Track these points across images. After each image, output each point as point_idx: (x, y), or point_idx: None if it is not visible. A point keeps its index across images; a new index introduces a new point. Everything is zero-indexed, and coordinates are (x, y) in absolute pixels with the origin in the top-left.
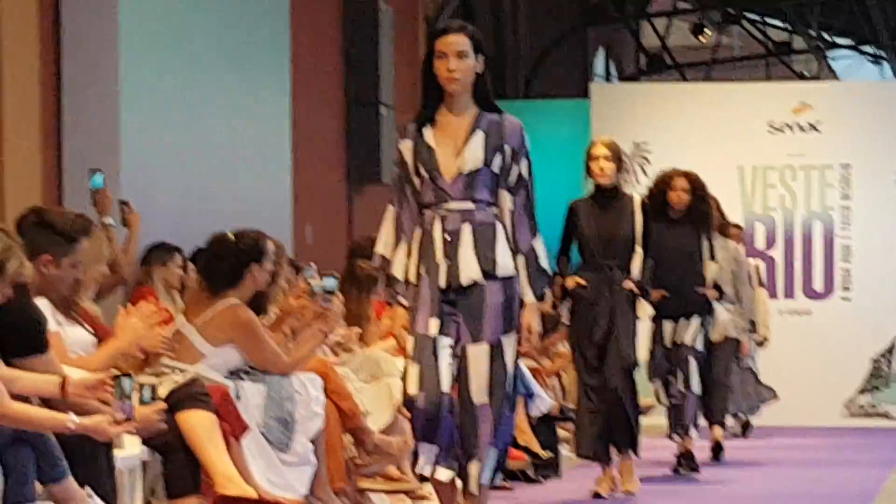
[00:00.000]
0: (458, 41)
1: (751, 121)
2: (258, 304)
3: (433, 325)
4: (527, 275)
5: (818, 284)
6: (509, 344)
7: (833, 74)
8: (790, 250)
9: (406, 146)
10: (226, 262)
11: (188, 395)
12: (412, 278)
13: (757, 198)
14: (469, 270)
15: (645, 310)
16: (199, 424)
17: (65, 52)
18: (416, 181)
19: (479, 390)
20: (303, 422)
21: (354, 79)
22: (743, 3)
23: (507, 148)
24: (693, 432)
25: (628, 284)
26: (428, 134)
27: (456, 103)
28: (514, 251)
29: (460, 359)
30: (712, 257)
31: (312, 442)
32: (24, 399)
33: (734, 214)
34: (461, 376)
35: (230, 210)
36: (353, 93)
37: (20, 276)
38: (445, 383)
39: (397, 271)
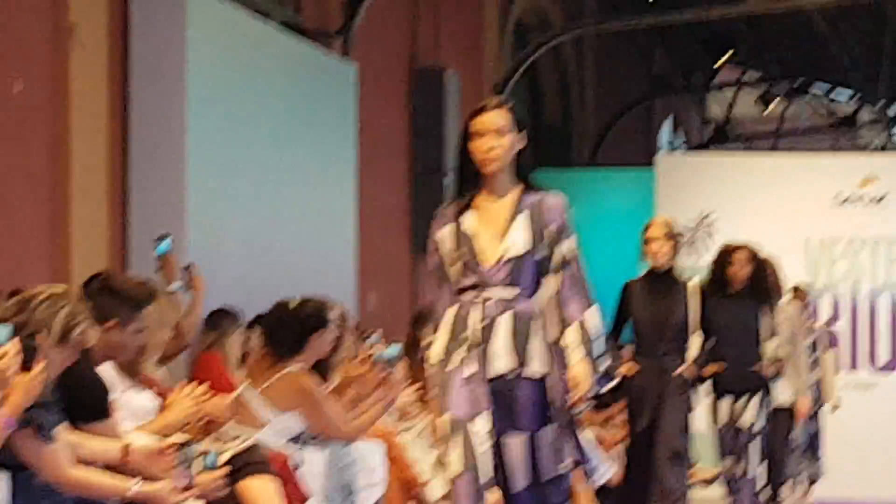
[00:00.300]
0: (496, 119)
1: (817, 193)
2: (321, 370)
3: (482, 420)
4: (580, 340)
5: (883, 358)
6: (546, 435)
7: None
8: (855, 323)
9: (443, 234)
10: (289, 330)
11: (249, 462)
12: (438, 357)
13: (823, 271)
14: (500, 360)
15: (699, 397)
16: (261, 491)
17: (132, 117)
18: (458, 266)
19: (517, 479)
20: (363, 490)
21: (420, 147)
22: (810, 74)
23: (550, 229)
24: None
25: (683, 370)
26: (467, 218)
27: (496, 184)
28: (563, 326)
29: (497, 450)
30: (773, 334)
31: None
32: (87, 464)
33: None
34: (500, 469)
35: (295, 277)
36: (419, 161)
37: (85, 342)
38: (485, 470)
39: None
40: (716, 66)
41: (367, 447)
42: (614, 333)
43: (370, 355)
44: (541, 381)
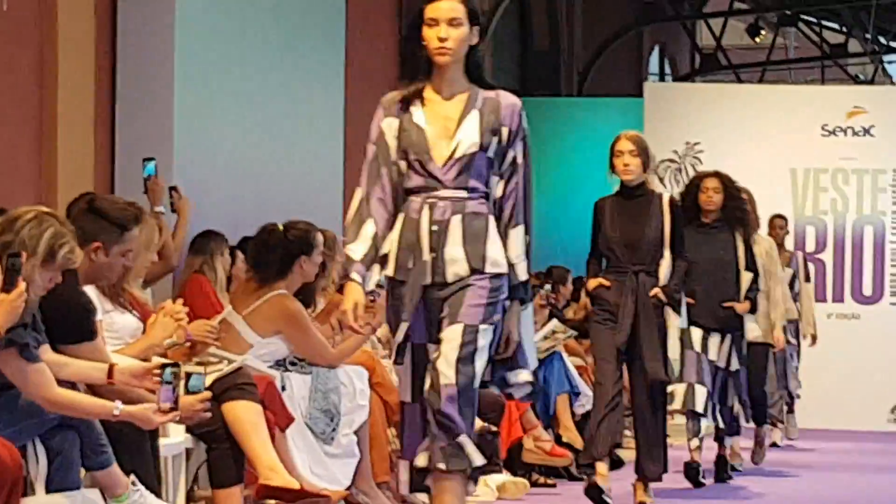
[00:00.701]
0: (451, 8)
1: (804, 124)
2: (306, 295)
3: (401, 330)
4: (523, 250)
5: (868, 289)
6: (485, 334)
7: (889, 79)
8: (840, 254)
9: (389, 124)
10: (275, 253)
11: (234, 385)
12: (389, 271)
13: (808, 201)
14: (455, 266)
15: (673, 320)
16: (245, 414)
17: (120, 41)
18: (402, 164)
19: (446, 369)
20: (348, 414)
21: (408, 73)
22: (799, 4)
23: (503, 130)
24: (727, 441)
25: (655, 292)
26: (417, 112)
27: (448, 79)
28: (505, 231)
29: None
30: (749, 267)
31: (356, 434)
32: (71, 385)
33: (787, 216)
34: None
35: (282, 201)
36: (406, 86)
37: (70, 263)
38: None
39: (355, 252)
40: None
41: (351, 371)
42: (593, 255)
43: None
44: (497, 278)
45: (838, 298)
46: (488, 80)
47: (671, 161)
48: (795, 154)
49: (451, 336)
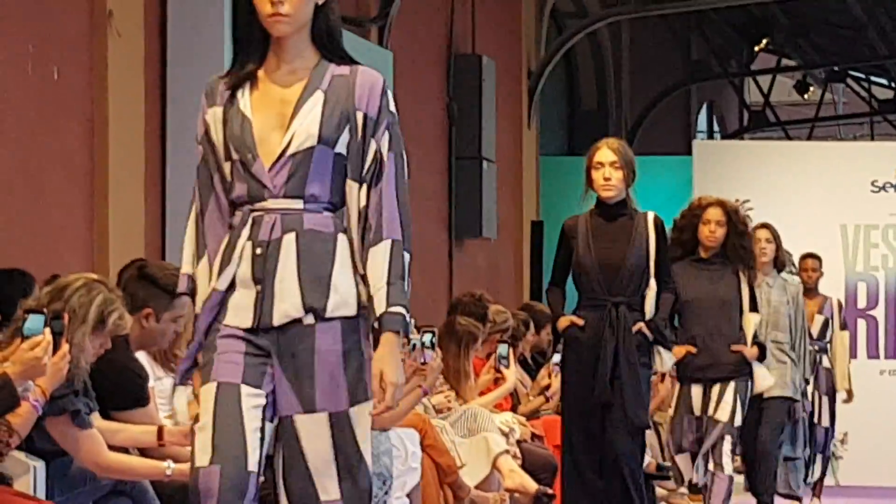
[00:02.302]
0: None
1: (854, 180)
2: None
3: (229, 372)
4: (387, 272)
5: None
6: (362, 415)
7: None
8: (893, 310)
9: (213, 115)
10: None
11: None
12: (198, 308)
13: (859, 257)
14: (285, 303)
15: (663, 360)
16: None
17: (169, 107)
18: (227, 166)
19: (323, 482)
20: (400, 476)
21: (457, 134)
22: (847, 60)
23: (358, 117)
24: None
25: (639, 327)
26: (243, 96)
27: (286, 53)
28: (367, 250)
29: (285, 435)
30: (754, 308)
31: (409, 497)
32: (123, 450)
33: (836, 274)
34: (288, 462)
35: None
36: (456, 147)
37: (120, 329)
38: (252, 460)
39: (199, 286)
40: (753, 51)
41: (403, 434)
42: (554, 284)
43: (408, 341)
44: (351, 322)
45: (891, 355)
46: (345, 51)
47: None
48: (845, 210)
49: (314, 431)
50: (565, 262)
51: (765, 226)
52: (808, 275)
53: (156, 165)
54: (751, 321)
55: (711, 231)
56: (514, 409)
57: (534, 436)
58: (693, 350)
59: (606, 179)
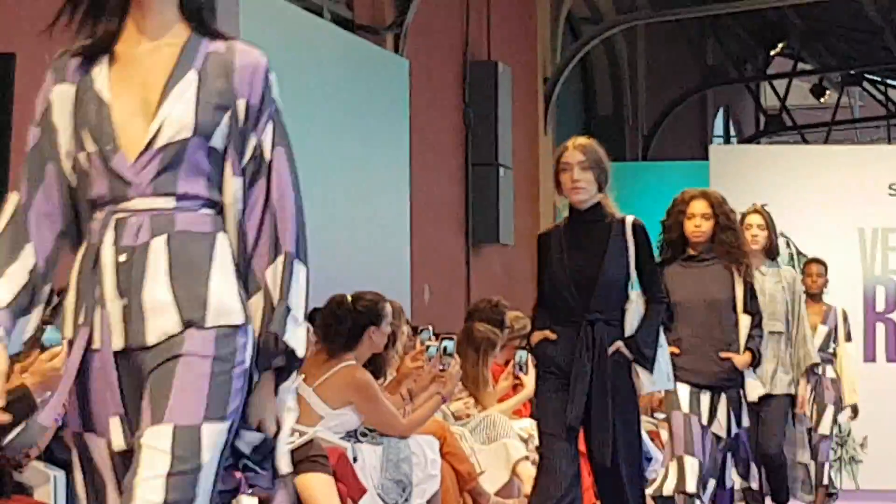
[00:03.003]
0: None
1: (872, 183)
2: (376, 366)
3: (113, 427)
4: (278, 295)
5: None
6: (213, 439)
7: None
8: None
9: (62, 94)
10: (344, 325)
11: (306, 458)
12: (67, 332)
13: (878, 260)
14: (159, 317)
15: (641, 383)
16: (317, 487)
17: None
18: (82, 158)
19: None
20: (419, 484)
21: (473, 140)
22: (864, 64)
23: (239, 104)
24: None
25: (617, 346)
26: (100, 75)
27: (149, 21)
28: (249, 263)
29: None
30: (748, 307)
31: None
32: None
33: (854, 277)
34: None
35: (349, 272)
36: (473, 154)
37: None
38: None
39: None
40: (769, 55)
41: (422, 441)
42: (540, 304)
43: (424, 350)
44: (228, 334)
45: None
46: (214, 23)
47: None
48: (863, 214)
49: (154, 444)
50: (543, 278)
51: (757, 210)
52: (812, 280)
53: None
54: (742, 323)
55: (697, 226)
56: (532, 416)
57: None
58: (676, 351)
59: (575, 181)
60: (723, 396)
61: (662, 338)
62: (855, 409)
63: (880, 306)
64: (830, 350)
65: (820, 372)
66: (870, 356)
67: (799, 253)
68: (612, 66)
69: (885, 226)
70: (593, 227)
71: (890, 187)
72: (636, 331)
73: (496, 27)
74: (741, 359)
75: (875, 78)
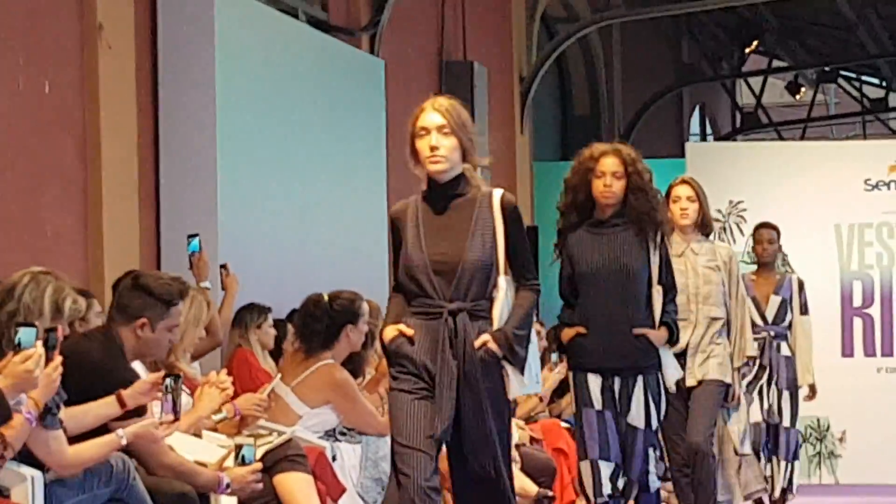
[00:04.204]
0: None
1: (847, 179)
2: (354, 365)
3: None
4: None
5: None
6: None
7: None
8: (889, 308)
9: None
10: (321, 324)
11: (285, 457)
12: None
13: (854, 256)
14: None
15: (510, 384)
16: (296, 486)
17: (162, 115)
18: None
19: None
20: None
21: None
22: (838, 60)
23: None
24: None
25: (483, 340)
26: None
27: None
28: None
29: None
30: (663, 279)
31: None
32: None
33: (832, 273)
34: None
35: (326, 273)
36: None
37: (77, 313)
38: None
39: None
40: (745, 53)
41: None
42: (396, 289)
43: None
44: None
45: (887, 352)
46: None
47: (715, 220)
48: (839, 209)
49: None
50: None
51: (685, 181)
52: (762, 248)
53: (149, 176)
54: (655, 294)
55: (607, 185)
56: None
57: (532, 439)
58: (583, 331)
59: (433, 149)
60: (639, 381)
61: (533, 333)
62: (812, 389)
63: (857, 301)
64: (785, 323)
65: (773, 349)
66: (847, 351)
67: None
68: (587, 64)
69: (861, 221)
70: (455, 203)
71: (865, 183)
72: (506, 323)
73: (471, 27)
74: (657, 334)
75: (850, 74)
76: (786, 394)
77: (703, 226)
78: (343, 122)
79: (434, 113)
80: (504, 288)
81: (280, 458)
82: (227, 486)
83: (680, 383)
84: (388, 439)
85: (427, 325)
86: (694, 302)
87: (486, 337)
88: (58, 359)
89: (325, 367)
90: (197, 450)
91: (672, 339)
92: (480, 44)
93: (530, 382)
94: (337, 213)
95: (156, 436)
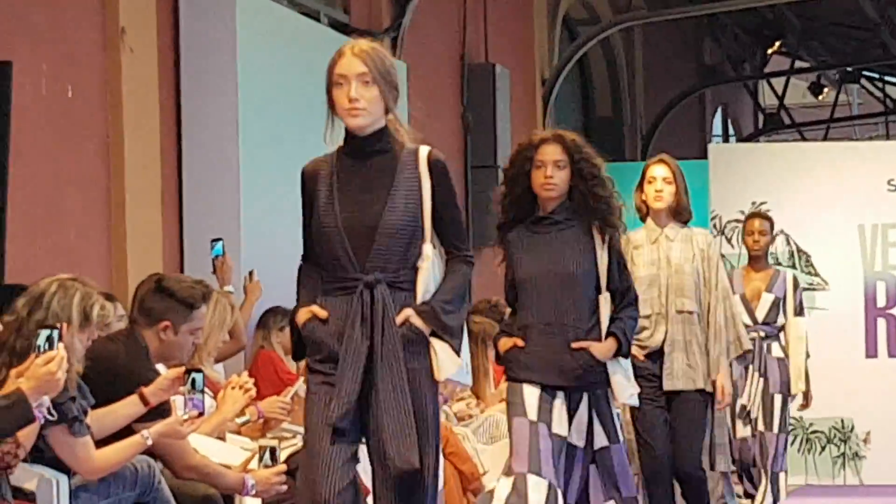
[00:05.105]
0: None
1: (870, 179)
2: None
3: None
4: None
5: None
6: None
7: None
8: None
9: None
10: None
11: None
12: None
13: (878, 256)
14: None
15: (440, 366)
16: None
17: (184, 119)
18: None
19: None
20: None
21: (472, 143)
22: (861, 61)
23: None
24: None
25: (406, 315)
26: None
27: None
28: None
29: None
30: (614, 283)
31: None
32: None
33: (855, 274)
34: None
35: None
36: (472, 156)
37: (105, 319)
38: None
39: None
40: (767, 54)
41: None
42: (308, 263)
43: None
44: None
45: None
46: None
47: (738, 221)
48: (863, 210)
49: None
50: (311, 227)
51: (662, 161)
52: (753, 239)
53: (172, 180)
54: (603, 303)
55: (548, 176)
56: None
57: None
58: (521, 343)
59: (352, 101)
60: (584, 399)
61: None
62: (806, 397)
63: (881, 302)
64: (778, 324)
65: (764, 351)
66: (871, 352)
67: (799, 250)
68: (609, 66)
69: (885, 221)
70: (376, 160)
71: (889, 183)
72: (433, 296)
73: (493, 29)
74: (600, 347)
75: (873, 75)
76: (777, 398)
77: (679, 212)
78: None
79: (354, 59)
80: (431, 257)
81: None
82: (252, 487)
83: (650, 382)
84: None
85: (342, 302)
86: (665, 295)
87: (409, 311)
88: (60, 353)
89: None
90: (221, 453)
91: (622, 352)
92: (502, 46)
93: (449, 363)
94: None
95: (181, 432)
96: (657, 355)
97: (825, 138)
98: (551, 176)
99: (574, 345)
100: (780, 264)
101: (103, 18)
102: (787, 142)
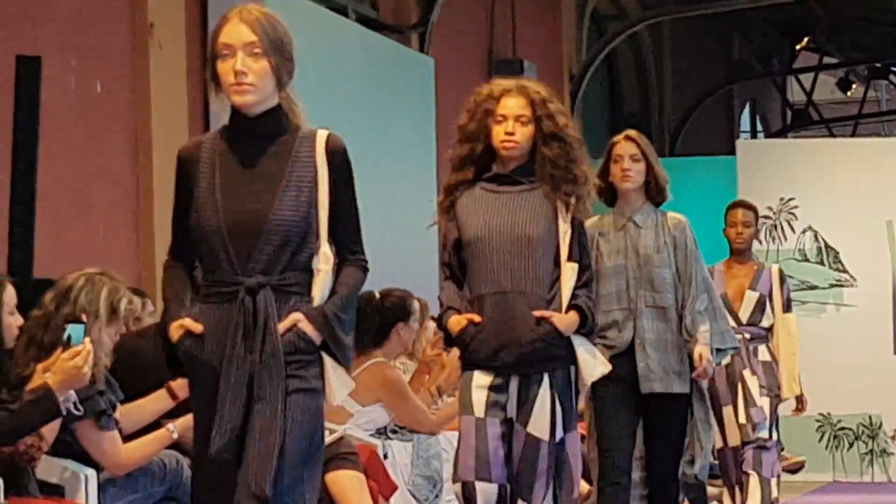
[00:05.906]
0: None
1: None
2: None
3: None
4: None
5: None
6: None
7: None
8: None
9: None
10: (373, 322)
11: (337, 455)
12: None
13: None
14: None
15: (331, 385)
16: (348, 484)
17: (212, 120)
18: None
19: None
20: (450, 480)
21: None
22: (890, 57)
23: None
24: None
25: (293, 320)
26: None
27: None
28: None
29: None
30: (575, 256)
31: None
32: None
33: (884, 270)
34: None
35: (376, 270)
36: None
37: (133, 313)
38: None
39: None
40: (795, 50)
41: (452, 437)
42: (177, 262)
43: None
44: None
45: None
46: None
47: (766, 217)
48: (891, 206)
49: None
50: (184, 220)
51: (629, 137)
52: (737, 231)
53: None
54: (566, 272)
55: (509, 132)
56: None
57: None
58: (477, 319)
59: (239, 74)
60: (544, 379)
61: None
62: (800, 401)
63: None
64: (764, 324)
65: (750, 354)
66: None
67: (827, 246)
68: (637, 62)
69: None
70: (265, 145)
71: None
72: (325, 302)
73: (521, 25)
74: (565, 318)
75: None
76: (766, 402)
77: (654, 193)
78: (392, 120)
79: (241, 25)
80: (329, 255)
81: (332, 456)
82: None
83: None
84: (439, 437)
85: (221, 311)
86: (634, 288)
87: (297, 316)
88: (86, 346)
89: (375, 365)
90: None
91: (586, 326)
92: (530, 41)
93: (339, 386)
94: (386, 211)
95: None
96: (626, 355)
97: (853, 134)
98: (513, 132)
99: (535, 313)
100: (807, 260)
101: (132, 14)
102: (815, 138)
